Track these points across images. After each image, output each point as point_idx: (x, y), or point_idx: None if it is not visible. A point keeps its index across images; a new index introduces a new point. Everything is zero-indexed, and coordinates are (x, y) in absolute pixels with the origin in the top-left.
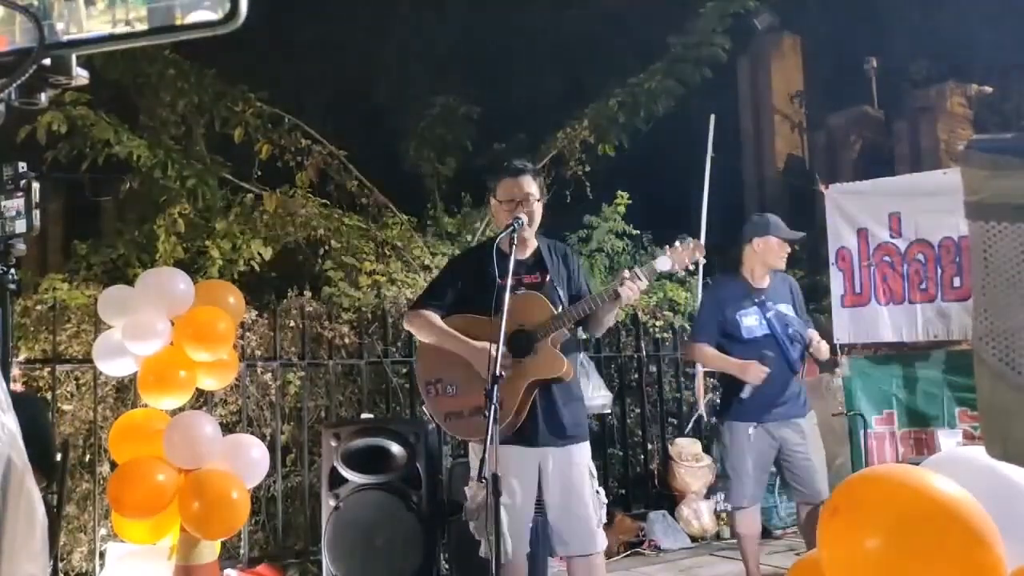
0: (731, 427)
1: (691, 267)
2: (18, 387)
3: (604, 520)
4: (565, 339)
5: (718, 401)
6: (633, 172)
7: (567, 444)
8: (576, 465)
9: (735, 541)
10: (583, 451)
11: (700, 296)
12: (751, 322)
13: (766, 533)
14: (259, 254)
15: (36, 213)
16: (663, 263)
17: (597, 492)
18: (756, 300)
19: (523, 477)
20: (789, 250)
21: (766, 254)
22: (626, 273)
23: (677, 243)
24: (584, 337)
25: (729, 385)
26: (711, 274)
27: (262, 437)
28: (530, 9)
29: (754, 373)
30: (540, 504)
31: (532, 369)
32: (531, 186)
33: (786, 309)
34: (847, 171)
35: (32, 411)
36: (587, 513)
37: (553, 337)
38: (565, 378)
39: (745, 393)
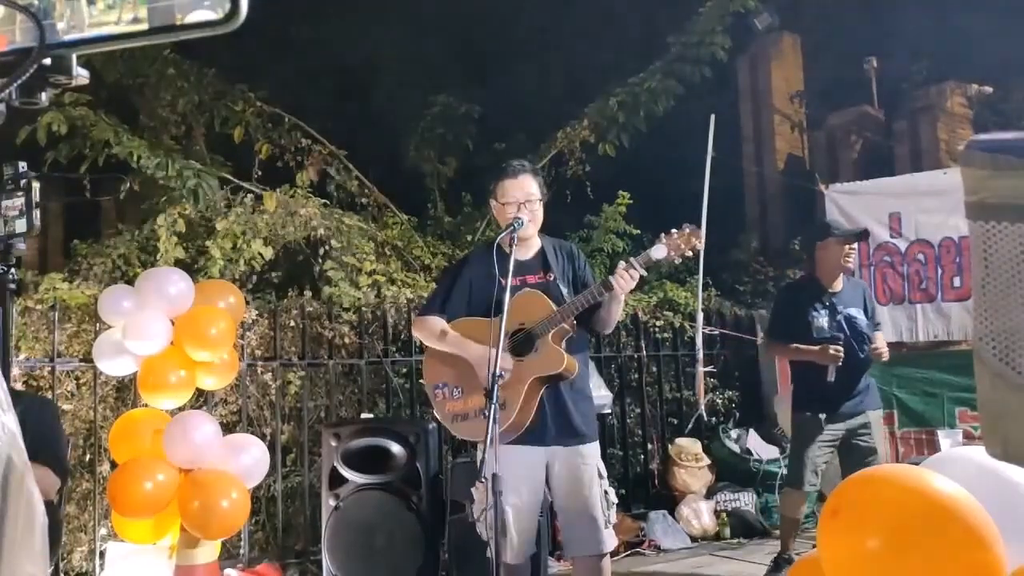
0: (802, 416)
1: (689, 254)
2: (18, 386)
3: (613, 520)
4: (568, 336)
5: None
6: (633, 172)
7: (576, 443)
8: (586, 465)
9: (735, 541)
10: (592, 450)
11: (699, 296)
12: (822, 323)
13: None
14: (259, 254)
15: (36, 213)
16: (659, 251)
17: (606, 492)
18: (827, 303)
19: (530, 477)
20: (854, 247)
21: (829, 256)
22: (622, 264)
23: (674, 231)
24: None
25: (801, 378)
26: (711, 273)
27: (262, 437)
28: (530, 9)
29: (831, 355)
30: (543, 504)
31: (534, 367)
32: (531, 186)
33: (856, 313)
34: (847, 171)
35: (47, 415)
36: (595, 513)
37: (554, 334)
38: (567, 374)
39: (831, 376)
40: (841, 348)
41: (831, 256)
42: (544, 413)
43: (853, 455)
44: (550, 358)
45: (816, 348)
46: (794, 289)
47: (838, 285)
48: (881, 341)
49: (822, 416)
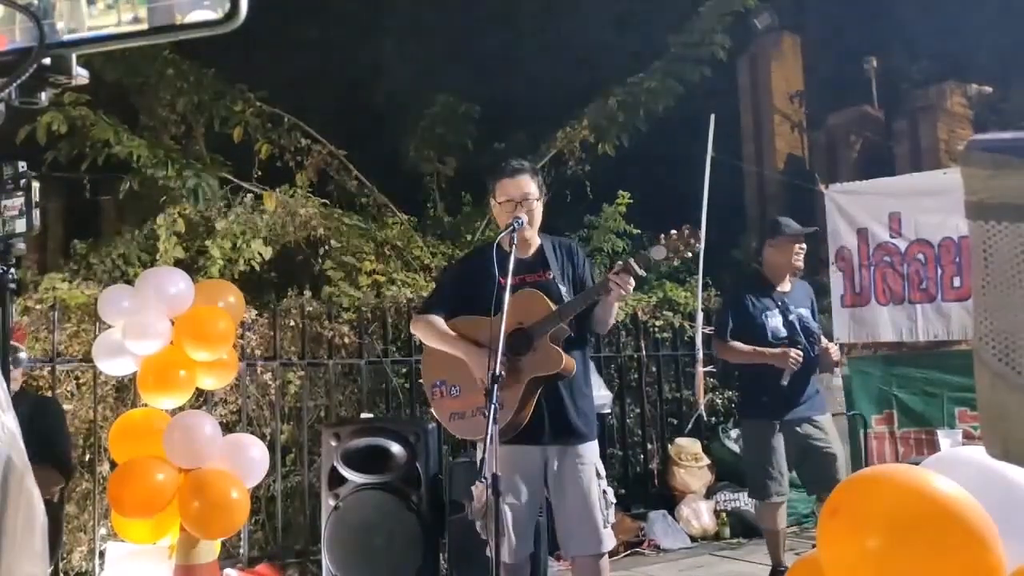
0: (755, 424)
1: (688, 254)
2: (17, 387)
3: (612, 520)
4: (566, 336)
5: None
6: (633, 172)
7: (575, 443)
8: (584, 464)
9: (735, 541)
10: (591, 450)
11: (699, 296)
12: (775, 324)
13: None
14: (259, 254)
15: (36, 212)
16: (658, 251)
17: (605, 492)
18: (779, 303)
19: (528, 476)
20: (804, 247)
21: (779, 255)
22: (618, 265)
23: (672, 232)
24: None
25: (751, 383)
26: (711, 273)
27: (262, 437)
28: (530, 9)
29: (792, 358)
30: (542, 503)
31: (531, 366)
32: (530, 185)
33: (805, 313)
34: (847, 171)
35: (52, 414)
36: (593, 513)
37: (552, 334)
38: (565, 374)
39: (784, 379)
40: (800, 353)
41: (781, 255)
42: (542, 413)
43: (812, 463)
44: (548, 358)
45: (777, 351)
46: (744, 288)
47: (787, 285)
48: (828, 343)
49: (776, 422)
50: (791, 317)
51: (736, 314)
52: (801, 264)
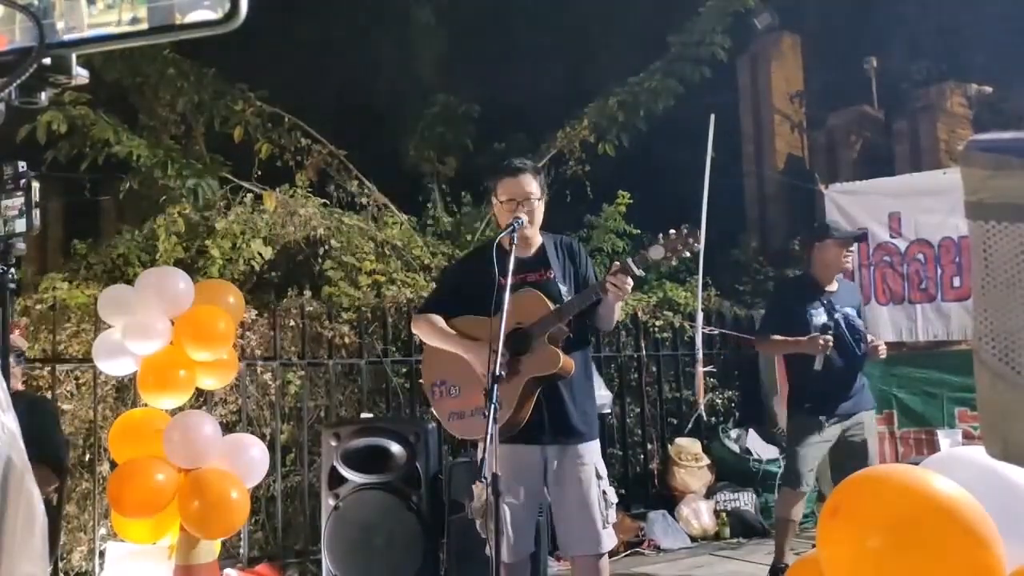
0: (802, 416)
1: (686, 254)
2: (19, 384)
3: (613, 520)
4: (565, 336)
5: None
6: (633, 172)
7: (574, 443)
8: (583, 464)
9: (735, 541)
10: (591, 449)
11: (699, 296)
12: (820, 321)
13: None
14: (259, 254)
15: (36, 212)
16: (656, 251)
17: (604, 492)
18: (825, 302)
19: (527, 476)
20: (852, 250)
21: (827, 256)
22: (615, 266)
23: (671, 231)
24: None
25: (800, 376)
26: (711, 273)
27: (262, 437)
28: (530, 8)
29: (821, 344)
30: (542, 503)
31: (529, 366)
32: (531, 185)
33: (852, 312)
34: (847, 171)
35: (45, 414)
36: (592, 513)
37: (551, 334)
38: (564, 374)
39: (817, 364)
40: (831, 338)
41: (829, 257)
42: (541, 412)
43: (844, 453)
44: (546, 358)
45: (804, 339)
46: (791, 286)
47: (834, 285)
48: (878, 340)
49: (821, 417)
50: (836, 315)
51: (779, 310)
52: (849, 266)
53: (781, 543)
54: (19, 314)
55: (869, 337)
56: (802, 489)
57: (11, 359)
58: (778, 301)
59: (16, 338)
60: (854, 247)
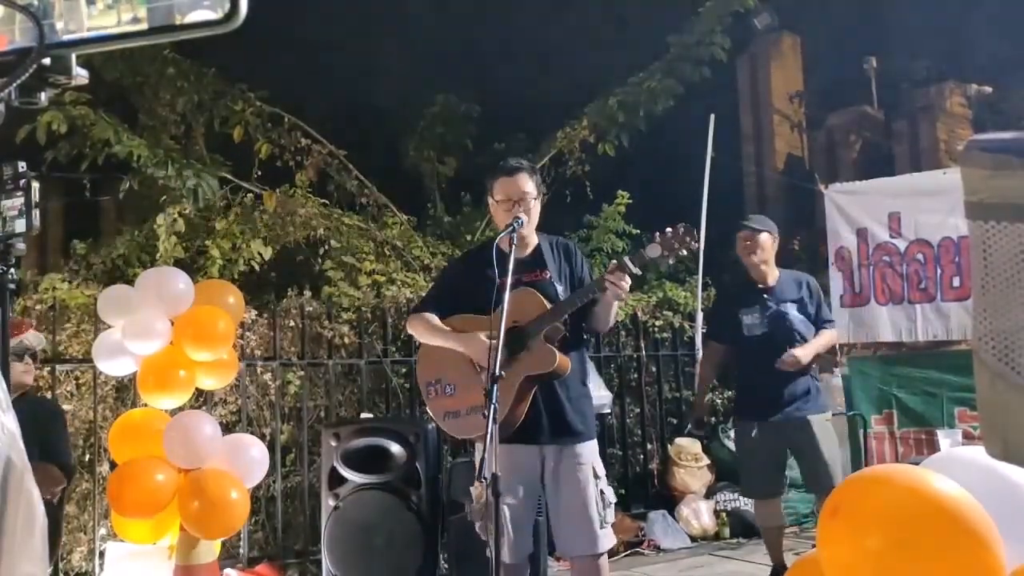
0: (742, 425)
1: (684, 253)
2: (30, 379)
3: (611, 520)
4: (561, 335)
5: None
6: (633, 172)
7: (571, 442)
8: (580, 464)
9: (734, 541)
10: (588, 449)
11: (699, 296)
12: (751, 320)
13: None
14: (259, 254)
15: (36, 212)
16: (652, 250)
17: (602, 492)
18: (757, 300)
19: (525, 476)
20: (751, 239)
21: (739, 250)
22: (612, 264)
23: (668, 230)
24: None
25: (740, 384)
26: (710, 273)
27: (262, 437)
28: (530, 8)
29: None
30: (541, 503)
31: (525, 365)
32: (527, 184)
33: (789, 308)
34: (847, 171)
35: (51, 415)
36: (589, 513)
37: (547, 333)
38: (559, 373)
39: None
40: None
41: (738, 251)
42: (538, 412)
43: (804, 463)
44: (542, 357)
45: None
46: (727, 288)
47: (771, 280)
48: (810, 346)
49: (753, 423)
50: (769, 313)
51: (715, 316)
52: (755, 257)
53: (772, 549)
54: (19, 314)
55: (811, 338)
56: (764, 496)
57: (26, 356)
58: (716, 303)
59: (33, 334)
60: (758, 237)
